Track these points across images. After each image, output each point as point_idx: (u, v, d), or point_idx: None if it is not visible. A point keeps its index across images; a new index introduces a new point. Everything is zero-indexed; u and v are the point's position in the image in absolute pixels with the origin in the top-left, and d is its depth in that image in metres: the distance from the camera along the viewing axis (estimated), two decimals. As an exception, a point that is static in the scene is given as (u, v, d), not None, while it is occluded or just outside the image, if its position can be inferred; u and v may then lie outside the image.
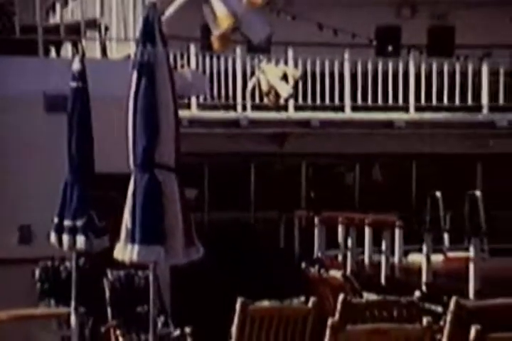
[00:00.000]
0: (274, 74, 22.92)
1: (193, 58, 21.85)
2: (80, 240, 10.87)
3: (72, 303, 11.34)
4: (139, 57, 8.00)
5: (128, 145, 7.92)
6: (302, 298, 10.56)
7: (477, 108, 23.96)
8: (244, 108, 23.40)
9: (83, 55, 12.73)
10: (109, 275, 13.01)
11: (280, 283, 13.75)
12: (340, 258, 19.60)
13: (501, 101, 24.00)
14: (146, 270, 9.09)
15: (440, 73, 23.84)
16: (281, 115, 23.52)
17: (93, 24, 16.73)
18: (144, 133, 7.92)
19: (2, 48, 15.43)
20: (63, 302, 12.38)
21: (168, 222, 7.78)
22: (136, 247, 7.76)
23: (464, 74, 23.88)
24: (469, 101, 23.99)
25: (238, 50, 22.90)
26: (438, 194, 21.20)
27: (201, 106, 22.24)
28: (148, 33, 8.02)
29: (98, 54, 16.24)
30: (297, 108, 23.63)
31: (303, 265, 17.45)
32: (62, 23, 16.57)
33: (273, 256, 18.90)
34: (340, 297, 10.05)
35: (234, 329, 9.67)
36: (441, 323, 9.43)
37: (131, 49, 11.53)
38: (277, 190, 24.18)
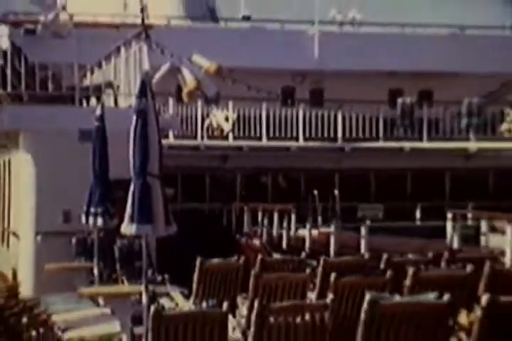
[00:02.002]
0: (220, 117, 23.48)
1: (170, 107, 21.13)
2: (100, 221, 11.27)
3: (95, 260, 11.79)
4: (137, 106, 7.99)
5: (129, 161, 7.86)
6: (235, 257, 9.98)
7: (335, 139, 23.97)
8: (202, 138, 23.24)
9: (103, 105, 12.56)
10: (118, 243, 13.06)
11: (223, 248, 13.10)
12: (259, 232, 19.32)
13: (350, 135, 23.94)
14: (141, 239, 8.91)
15: (316, 116, 23.88)
16: (225, 143, 23.48)
17: (109, 85, 16.60)
18: (139, 153, 7.81)
19: (54, 100, 15.75)
20: (89, 259, 12.31)
21: (154, 209, 7.78)
22: (135, 225, 7.78)
23: (328, 117, 23.94)
24: (331, 134, 24.01)
25: (199, 102, 22.55)
26: (315, 192, 20.69)
27: (176, 137, 21.81)
28: (143, 91, 8.01)
29: (112, 104, 16.14)
30: (235, 138, 23.48)
31: (237, 237, 18.12)
32: (91, 85, 16.50)
33: (219, 231, 19.12)
34: (259, 257, 9.88)
35: (195, 277, 9.41)
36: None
37: (132, 101, 10.90)
38: (222, 190, 24.08)
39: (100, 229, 11.82)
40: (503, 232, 14.66)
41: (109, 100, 16.22)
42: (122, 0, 22.12)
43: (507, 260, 10.64)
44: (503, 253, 11.69)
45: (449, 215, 17.62)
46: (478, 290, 8.01)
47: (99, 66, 17.00)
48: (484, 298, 5.88)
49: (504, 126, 24.52)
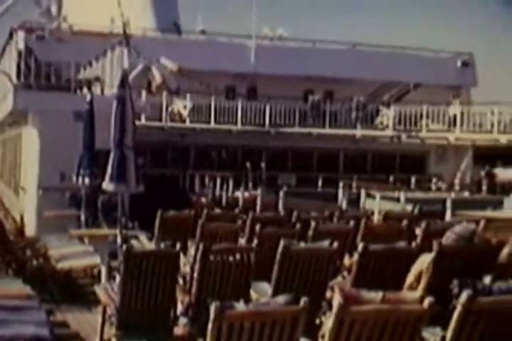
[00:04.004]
0: (179, 105, 23.35)
1: (143, 96, 19.83)
2: (87, 180, 11.23)
3: (82, 210, 11.71)
4: (118, 94, 7.74)
5: (110, 136, 7.64)
6: (188, 211, 9.74)
7: (264, 124, 23.90)
8: (166, 120, 23.02)
9: (92, 93, 12.48)
10: (100, 197, 12.34)
11: (179, 203, 11.78)
12: (206, 192, 19.08)
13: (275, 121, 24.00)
14: (118, 195, 8.41)
15: (250, 107, 23.88)
16: (183, 125, 23.29)
17: (97, 79, 16.22)
18: (118, 130, 7.55)
19: (55, 88, 15.45)
20: (78, 209, 12.05)
21: (128, 173, 7.57)
22: (113, 184, 7.57)
23: (260, 108, 23.93)
24: (261, 121, 23.94)
25: (164, 94, 22.31)
26: (248, 164, 20.92)
27: (146, 119, 21.08)
28: (122, 83, 7.80)
29: (99, 92, 15.72)
30: (190, 121, 23.41)
31: (189, 195, 17.67)
32: (84, 78, 16.14)
33: (176, 191, 18.13)
34: (205, 211, 9.70)
35: (157, 224, 9.17)
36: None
37: (114, 90, 10.03)
38: (180, 159, 23.68)
39: (87, 187, 11.61)
40: (374, 197, 14.95)
41: (97, 90, 15.93)
42: (110, 16, 21.58)
43: (375, 218, 10.40)
44: (373, 213, 11.54)
45: (341, 184, 18.07)
46: (356, 239, 7.97)
47: (90, 64, 16.73)
48: (360, 246, 5.93)
49: (378, 119, 24.78)
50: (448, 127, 23.14)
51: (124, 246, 5.90)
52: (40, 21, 22.73)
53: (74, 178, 11.29)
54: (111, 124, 7.65)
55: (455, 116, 23.09)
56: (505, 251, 5.80)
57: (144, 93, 21.05)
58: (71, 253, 8.97)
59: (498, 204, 11.04)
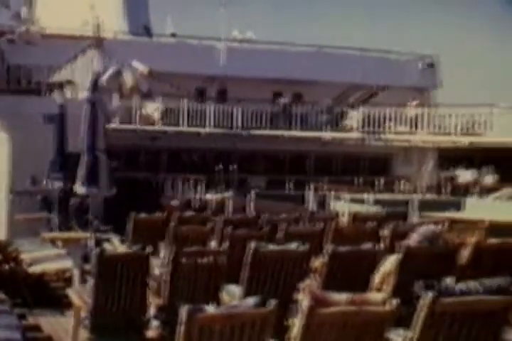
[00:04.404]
0: (151, 108, 23.04)
1: (115, 100, 20.38)
2: (59, 184, 11.15)
3: (54, 213, 11.57)
4: (89, 97, 7.89)
5: (82, 138, 7.75)
6: (159, 213, 9.70)
7: (234, 127, 23.63)
8: (137, 123, 22.65)
9: (63, 96, 12.56)
10: (72, 200, 11.96)
11: (151, 206, 12.02)
12: (177, 195, 19.05)
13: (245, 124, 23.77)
14: (90, 198, 8.66)
15: (220, 110, 23.59)
16: (154, 127, 22.95)
17: (69, 82, 16.20)
18: (89, 133, 7.61)
19: (27, 92, 15.32)
20: (49, 212, 11.96)
21: (100, 176, 7.68)
22: (85, 187, 7.81)
23: (230, 111, 23.69)
24: (231, 123, 23.69)
25: (136, 96, 21.98)
26: (218, 167, 20.86)
27: (119, 122, 21.19)
28: (94, 86, 7.95)
29: (71, 95, 15.72)
30: (162, 124, 23.05)
31: (161, 198, 17.80)
32: (55, 81, 16.03)
33: (149, 194, 18.29)
34: (176, 214, 9.71)
35: (129, 227, 9.12)
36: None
37: (86, 94, 10.07)
38: (152, 162, 23.55)
39: (59, 190, 11.51)
40: (342, 199, 15.08)
41: (68, 93, 15.83)
42: (82, 19, 21.46)
43: (344, 219, 10.41)
44: (341, 214, 11.58)
45: (310, 186, 18.18)
46: (325, 241, 7.98)
47: (62, 68, 16.54)
48: (328, 248, 5.97)
49: (345, 122, 24.77)
50: (410, 129, 23.46)
51: (97, 249, 5.86)
52: (11, 24, 22.13)
53: (45, 182, 11.35)
54: (82, 127, 7.77)
55: (416, 118, 23.38)
56: (465, 252, 5.94)
57: (115, 96, 21.02)
58: (43, 256, 8.92)
59: (460, 206, 11.06)
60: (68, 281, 8.11)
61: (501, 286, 3.82)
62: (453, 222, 8.43)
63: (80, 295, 6.09)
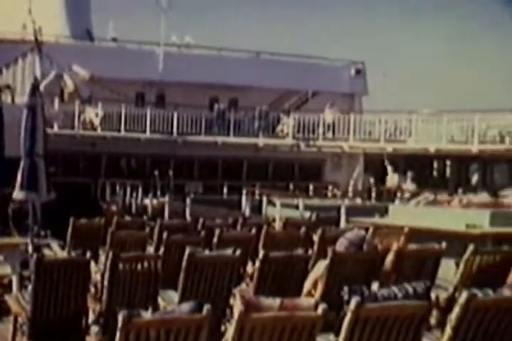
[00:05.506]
0: (91, 114, 22.84)
1: (55, 104, 20.46)
2: None
3: None
4: (28, 102, 7.62)
5: (20, 143, 7.59)
6: (98, 218, 9.46)
7: (171, 132, 23.71)
8: (78, 128, 22.48)
9: (1, 101, 12.06)
10: (11, 206, 12.09)
11: (90, 211, 12.21)
12: (116, 200, 18.99)
13: (182, 130, 23.59)
14: (29, 203, 8.51)
15: (159, 115, 23.65)
16: (94, 133, 22.80)
17: (8, 86, 16.24)
18: (28, 138, 7.45)
19: None
20: None
21: (39, 181, 7.50)
22: (23, 192, 7.61)
23: (168, 116, 23.58)
24: (169, 129, 23.69)
25: (76, 102, 22.14)
26: (156, 172, 20.59)
27: (59, 127, 21.30)
28: (33, 91, 7.70)
29: (9, 100, 15.61)
30: (101, 129, 22.86)
31: (100, 203, 18.05)
32: None
33: (88, 199, 18.65)
34: (115, 218, 9.55)
35: (69, 232, 8.94)
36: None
37: (25, 99, 9.84)
38: (92, 167, 23.17)
39: (-2, 196, 10.83)
40: (275, 204, 15.06)
41: (7, 98, 15.80)
42: (22, 23, 20.95)
43: (276, 225, 10.33)
44: (274, 219, 11.55)
45: (244, 192, 18.15)
46: (259, 246, 7.86)
47: (1, 72, 16.55)
48: (261, 253, 5.89)
49: (279, 128, 24.86)
50: (323, 135, 23.71)
51: (35, 255, 5.72)
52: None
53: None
54: (21, 132, 7.53)
55: (334, 124, 23.35)
56: (389, 258, 5.94)
57: (56, 101, 20.92)
58: (-20, 263, 8.55)
59: (384, 211, 11.30)
60: (7, 287, 7.88)
61: (418, 292, 3.89)
62: (377, 227, 8.43)
63: (19, 301, 5.94)
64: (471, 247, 5.97)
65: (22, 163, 7.53)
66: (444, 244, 6.15)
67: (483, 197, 11.56)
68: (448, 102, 29.86)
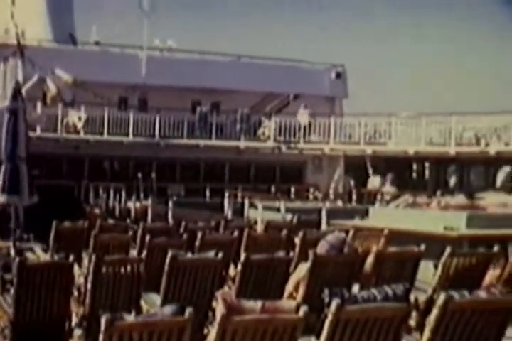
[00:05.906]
0: (74, 117, 22.51)
1: (38, 108, 20.06)
2: None
3: None
4: (10, 106, 7.67)
5: (2, 147, 7.52)
6: (82, 222, 9.37)
7: (154, 135, 23.47)
8: (61, 132, 22.39)
9: None
10: None
11: (74, 214, 11.86)
12: (99, 203, 18.75)
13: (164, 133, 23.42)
14: (11, 206, 8.46)
15: (142, 119, 23.49)
16: (77, 136, 22.61)
17: None
18: (10, 141, 7.47)
19: None
20: None
21: (21, 184, 7.52)
22: (5, 196, 7.62)
23: (150, 120, 23.57)
24: (152, 132, 23.36)
25: (59, 105, 21.97)
26: (139, 175, 20.36)
27: (41, 130, 21.06)
28: (15, 95, 7.70)
29: None
30: (84, 133, 22.69)
31: (84, 206, 17.38)
32: None
33: (71, 202, 17.95)
34: (98, 222, 9.56)
35: (52, 236, 8.87)
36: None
37: (7, 103, 9.57)
38: (75, 171, 22.87)
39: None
40: (257, 207, 14.93)
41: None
42: (4, 26, 20.75)
43: (258, 227, 10.25)
44: (256, 222, 11.44)
45: (227, 194, 17.97)
46: (241, 249, 7.83)
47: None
48: (243, 256, 5.88)
49: (261, 131, 24.81)
50: (295, 137, 23.69)
51: (18, 258, 5.66)
52: None
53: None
54: (2, 136, 7.52)
55: (310, 126, 23.62)
56: (369, 260, 5.96)
57: (39, 105, 20.72)
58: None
59: (365, 213, 11.30)
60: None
61: (397, 294, 3.92)
62: (357, 230, 8.41)
63: (1, 304, 5.89)
64: (448, 249, 5.97)
65: (3, 167, 7.52)
66: (422, 246, 6.16)
67: (460, 199, 11.62)
68: (450, 104, 29.35)
